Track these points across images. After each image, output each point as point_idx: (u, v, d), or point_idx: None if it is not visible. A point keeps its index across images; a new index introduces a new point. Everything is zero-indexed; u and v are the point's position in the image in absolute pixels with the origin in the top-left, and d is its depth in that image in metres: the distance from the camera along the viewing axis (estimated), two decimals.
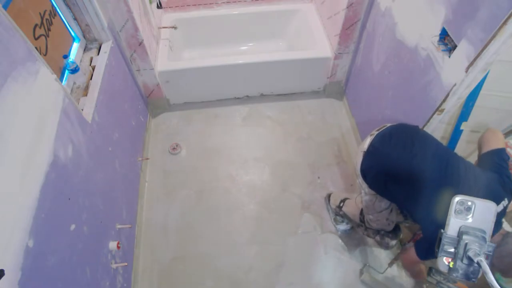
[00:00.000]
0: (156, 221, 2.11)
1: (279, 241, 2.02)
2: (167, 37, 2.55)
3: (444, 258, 0.78)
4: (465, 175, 1.23)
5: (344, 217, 2.01)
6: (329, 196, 2.11)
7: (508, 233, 1.20)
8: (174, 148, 2.43)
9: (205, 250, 1.99)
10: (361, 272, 1.87)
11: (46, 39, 1.45)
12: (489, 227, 0.76)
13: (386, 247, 1.79)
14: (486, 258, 0.72)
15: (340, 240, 2.01)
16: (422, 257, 1.30)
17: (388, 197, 1.46)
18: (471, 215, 0.77)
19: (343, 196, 1.99)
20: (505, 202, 1.17)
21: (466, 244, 0.74)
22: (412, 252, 1.34)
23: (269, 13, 2.79)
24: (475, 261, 0.72)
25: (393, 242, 1.74)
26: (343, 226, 2.03)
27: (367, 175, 1.47)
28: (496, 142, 1.34)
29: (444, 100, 1.38)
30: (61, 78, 1.56)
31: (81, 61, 1.75)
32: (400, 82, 1.75)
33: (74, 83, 1.62)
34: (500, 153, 1.30)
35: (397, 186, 1.35)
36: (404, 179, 1.31)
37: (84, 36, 1.82)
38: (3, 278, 0.81)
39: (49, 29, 1.48)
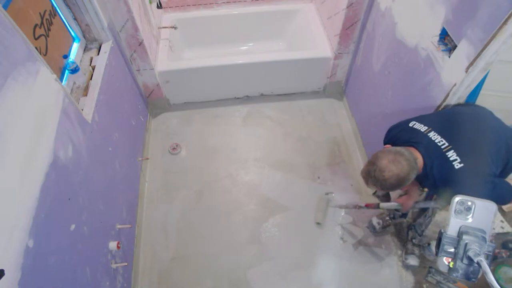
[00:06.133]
0: (156, 221, 2.11)
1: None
2: (167, 37, 2.55)
3: (444, 258, 0.78)
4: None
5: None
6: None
7: None
8: (174, 148, 2.43)
9: (205, 250, 1.99)
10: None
11: (46, 39, 1.45)
12: (489, 227, 0.76)
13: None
14: (486, 258, 0.72)
15: (340, 240, 2.02)
16: None
17: None
18: (471, 215, 0.77)
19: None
20: None
21: (466, 244, 0.75)
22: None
23: (269, 13, 2.79)
24: (475, 261, 0.72)
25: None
26: (412, 260, 1.84)
27: None
28: None
29: (444, 100, 1.38)
30: (61, 78, 1.56)
31: (81, 61, 1.75)
32: (400, 82, 1.75)
33: (74, 83, 1.62)
34: None
35: None
36: None
37: (84, 36, 1.82)
38: (3, 278, 0.81)
39: (49, 29, 1.48)
